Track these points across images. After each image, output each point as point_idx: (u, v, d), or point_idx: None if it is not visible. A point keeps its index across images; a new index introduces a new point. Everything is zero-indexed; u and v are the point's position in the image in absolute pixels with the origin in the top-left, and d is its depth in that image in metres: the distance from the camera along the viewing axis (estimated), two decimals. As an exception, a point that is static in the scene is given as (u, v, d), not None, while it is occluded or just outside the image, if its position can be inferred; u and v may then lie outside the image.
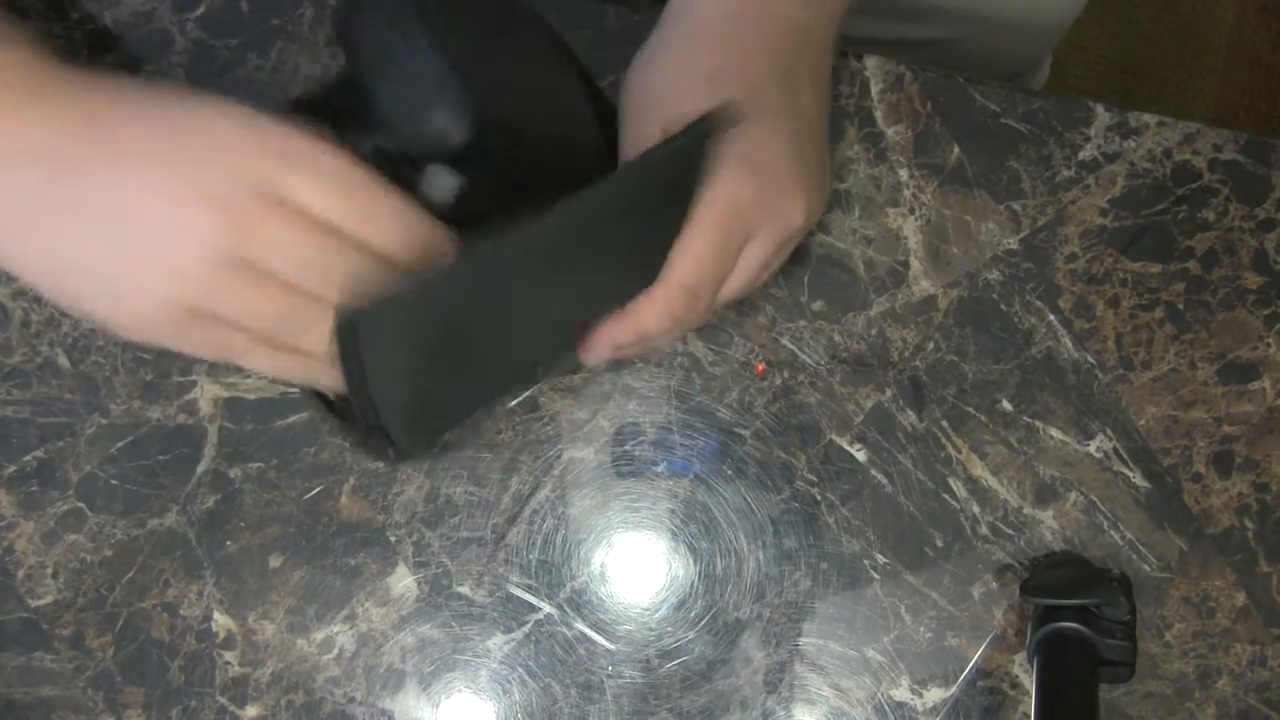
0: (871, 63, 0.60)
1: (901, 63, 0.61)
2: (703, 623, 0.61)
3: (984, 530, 0.61)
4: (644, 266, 0.44)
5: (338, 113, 0.43)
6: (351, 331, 0.38)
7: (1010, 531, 0.61)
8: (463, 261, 0.41)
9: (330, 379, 0.41)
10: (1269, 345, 0.60)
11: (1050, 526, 0.60)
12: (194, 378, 0.60)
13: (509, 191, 0.44)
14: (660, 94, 0.45)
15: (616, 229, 0.43)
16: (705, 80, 0.45)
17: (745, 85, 0.45)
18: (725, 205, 0.43)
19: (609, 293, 0.45)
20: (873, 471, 0.61)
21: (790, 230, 0.45)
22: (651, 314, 0.45)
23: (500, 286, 0.42)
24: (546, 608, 0.61)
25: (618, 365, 0.60)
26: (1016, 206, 0.60)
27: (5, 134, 0.37)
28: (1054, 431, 0.60)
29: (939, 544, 0.61)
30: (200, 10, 0.59)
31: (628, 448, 0.61)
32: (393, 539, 0.61)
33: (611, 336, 0.46)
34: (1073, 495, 0.60)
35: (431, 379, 0.43)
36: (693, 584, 0.61)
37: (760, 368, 0.60)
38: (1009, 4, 0.76)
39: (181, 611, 0.60)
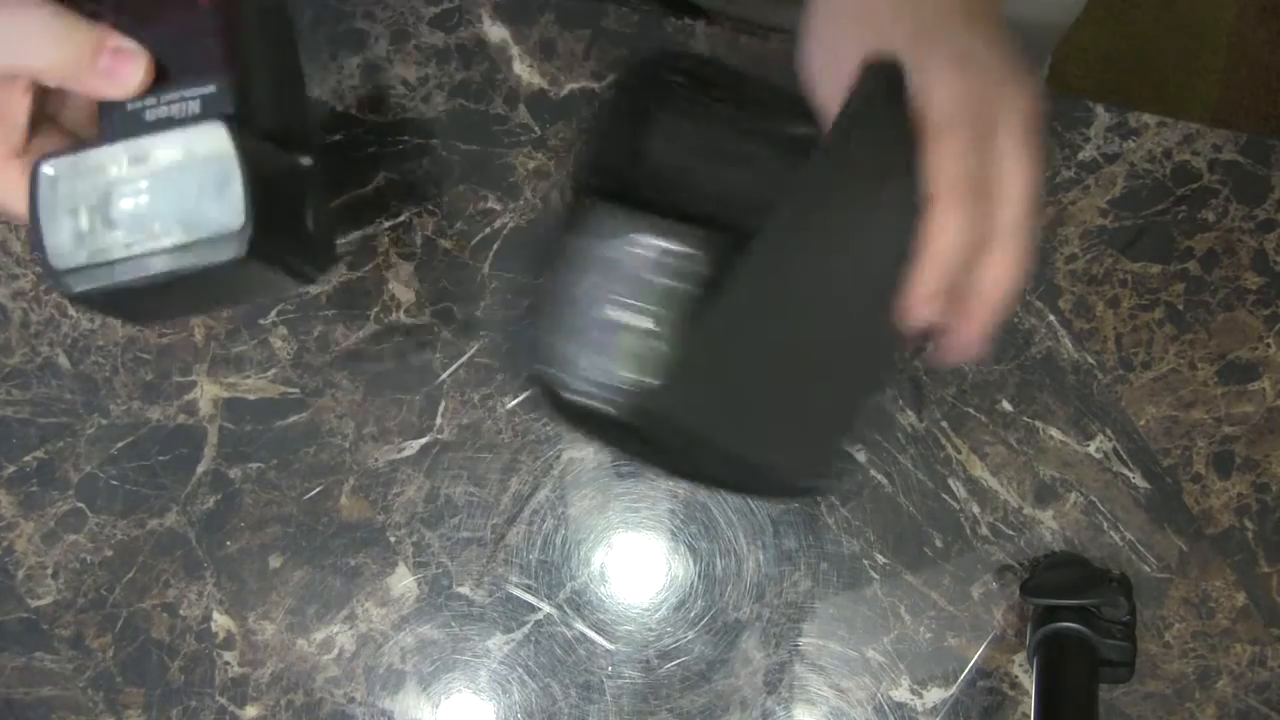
0: (871, 63, 0.60)
1: (901, 63, 0.61)
2: (702, 623, 0.61)
3: (984, 531, 0.61)
4: (905, 221, 0.43)
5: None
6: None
7: (1010, 532, 0.61)
8: (739, 275, 0.41)
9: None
10: (1269, 346, 0.60)
11: (1050, 527, 0.60)
12: (194, 378, 0.60)
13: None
14: (852, 26, 0.46)
15: (859, 186, 0.43)
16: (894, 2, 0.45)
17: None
18: (952, 99, 0.43)
19: (893, 257, 0.44)
20: (873, 472, 0.61)
21: (1026, 112, 0.45)
22: (941, 231, 0.43)
23: (791, 280, 0.42)
24: (546, 608, 0.61)
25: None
26: (1016, 207, 0.60)
27: None
28: (1054, 432, 0.60)
29: (939, 544, 0.61)
30: (200, 10, 0.59)
31: (628, 448, 0.61)
32: (392, 539, 0.61)
33: (919, 282, 0.44)
34: (1072, 496, 0.60)
35: (775, 394, 0.43)
36: (692, 584, 0.61)
37: (760, 368, 0.60)
38: (1008, 5, 0.76)
39: (181, 612, 0.60)
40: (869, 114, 0.42)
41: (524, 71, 0.60)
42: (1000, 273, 0.44)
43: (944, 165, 0.43)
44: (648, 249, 0.43)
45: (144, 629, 0.60)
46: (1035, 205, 0.45)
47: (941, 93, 0.43)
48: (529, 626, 0.61)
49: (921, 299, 0.44)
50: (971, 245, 0.44)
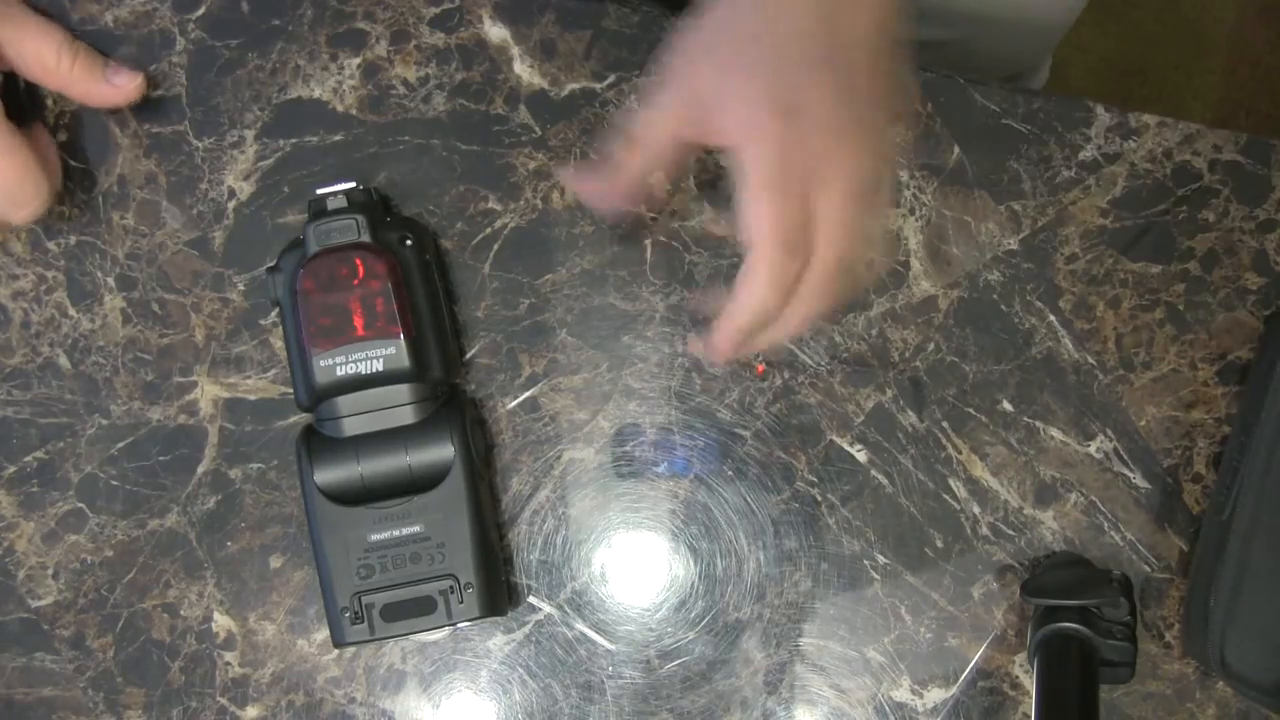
0: (872, 63, 0.60)
1: (902, 63, 0.61)
2: (703, 623, 0.61)
3: (984, 531, 0.61)
4: None
5: None
6: None
7: (1011, 532, 0.61)
8: None
9: None
10: (1269, 346, 0.60)
11: (1050, 527, 0.60)
12: (194, 378, 0.60)
13: None
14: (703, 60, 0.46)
15: None
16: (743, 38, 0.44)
17: (776, 40, 0.44)
18: (770, 152, 0.42)
19: None
20: (873, 472, 0.61)
21: (859, 179, 0.43)
22: (755, 281, 0.44)
23: None
24: (547, 608, 0.61)
25: (618, 365, 0.60)
26: (1017, 207, 0.60)
27: None
28: (1054, 432, 0.60)
29: (939, 544, 0.61)
30: (200, 10, 0.59)
31: (628, 448, 0.61)
32: (393, 539, 0.60)
33: (729, 323, 0.46)
34: (1073, 496, 0.60)
35: None
36: (693, 584, 0.61)
37: (760, 368, 0.60)
38: (1010, 5, 0.76)
39: (182, 612, 0.60)
40: None
41: (524, 72, 0.60)
42: (789, 325, 0.46)
43: (758, 213, 0.43)
44: None
45: (144, 629, 0.60)
46: (845, 267, 0.45)
47: (762, 141, 0.43)
48: (529, 627, 0.61)
49: (727, 338, 0.47)
50: (778, 298, 0.45)
